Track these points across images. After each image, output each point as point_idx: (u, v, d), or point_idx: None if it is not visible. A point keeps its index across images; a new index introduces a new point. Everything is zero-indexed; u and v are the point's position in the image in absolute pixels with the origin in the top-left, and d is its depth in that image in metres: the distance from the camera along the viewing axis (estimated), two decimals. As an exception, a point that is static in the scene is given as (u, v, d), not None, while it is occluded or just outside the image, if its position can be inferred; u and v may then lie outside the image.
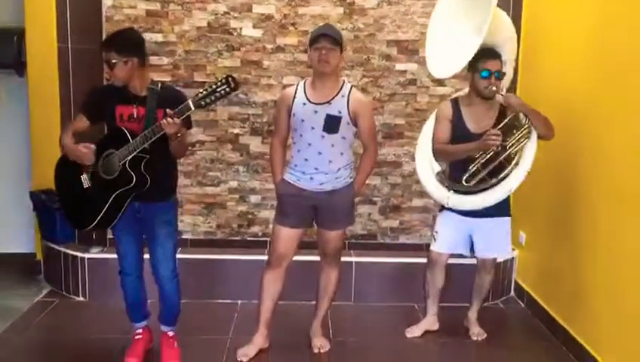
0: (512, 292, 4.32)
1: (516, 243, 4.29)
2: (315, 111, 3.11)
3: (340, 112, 3.10)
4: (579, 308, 3.39)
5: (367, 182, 4.44)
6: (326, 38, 3.03)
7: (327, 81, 3.11)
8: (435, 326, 3.67)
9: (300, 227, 3.26)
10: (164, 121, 2.76)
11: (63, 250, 4.14)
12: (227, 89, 2.74)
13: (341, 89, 3.13)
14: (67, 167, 3.04)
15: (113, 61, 2.85)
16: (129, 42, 2.90)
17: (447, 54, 3.41)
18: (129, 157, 2.85)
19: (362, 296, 4.10)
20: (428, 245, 3.67)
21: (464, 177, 3.26)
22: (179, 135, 2.84)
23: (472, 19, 3.35)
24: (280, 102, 3.28)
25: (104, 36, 4.17)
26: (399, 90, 4.42)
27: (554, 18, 3.84)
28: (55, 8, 4.23)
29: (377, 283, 4.13)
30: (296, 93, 3.18)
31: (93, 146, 2.96)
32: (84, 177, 3.01)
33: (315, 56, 3.04)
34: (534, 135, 3.21)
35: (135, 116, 2.93)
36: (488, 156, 3.20)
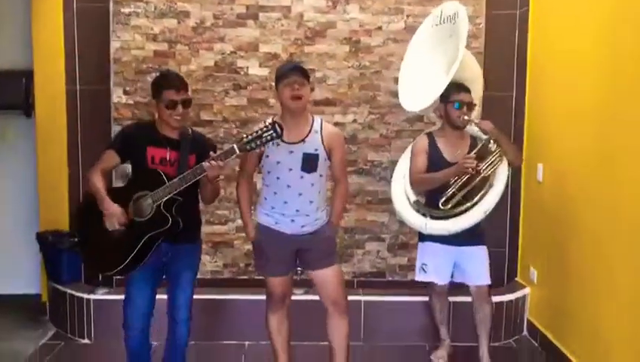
0: (525, 332, 4.22)
1: (527, 280, 4.22)
2: (291, 152, 2.99)
3: (316, 150, 3.00)
4: (594, 348, 3.30)
5: (375, 219, 4.47)
6: (296, 72, 2.93)
7: (300, 118, 3.01)
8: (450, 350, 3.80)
9: (287, 274, 3.15)
10: (209, 163, 2.75)
11: (68, 291, 4.10)
12: (273, 134, 2.73)
13: (312, 124, 3.04)
14: (93, 210, 2.91)
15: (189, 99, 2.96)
16: None
17: (419, 89, 3.66)
18: (164, 199, 2.82)
19: (372, 336, 4.01)
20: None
21: (440, 201, 3.39)
22: (218, 178, 2.85)
23: (443, 57, 3.59)
24: None
25: (112, 78, 4.22)
26: (406, 126, 4.41)
27: (561, 31, 3.79)
28: (64, 50, 4.30)
29: (387, 322, 4.05)
30: None
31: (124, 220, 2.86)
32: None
33: (287, 92, 2.92)
34: (505, 160, 3.42)
35: (168, 159, 2.92)
36: (463, 180, 3.35)
